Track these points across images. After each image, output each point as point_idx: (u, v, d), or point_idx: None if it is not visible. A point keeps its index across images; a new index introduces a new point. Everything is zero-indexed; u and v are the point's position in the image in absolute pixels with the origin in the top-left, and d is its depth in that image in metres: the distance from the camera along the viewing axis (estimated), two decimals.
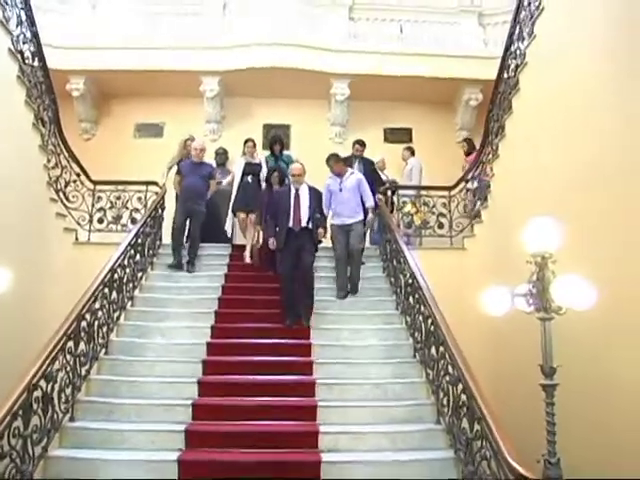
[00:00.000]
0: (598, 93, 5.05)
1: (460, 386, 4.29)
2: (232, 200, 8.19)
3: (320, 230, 6.61)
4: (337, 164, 7.43)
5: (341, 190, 7.26)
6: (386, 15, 10.47)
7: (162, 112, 10.34)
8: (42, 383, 4.12)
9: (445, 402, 4.69)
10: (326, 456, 4.35)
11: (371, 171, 8.51)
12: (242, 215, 8.10)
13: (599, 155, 5.10)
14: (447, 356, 4.70)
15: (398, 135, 10.61)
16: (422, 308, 5.60)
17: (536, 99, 6.60)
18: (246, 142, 8.47)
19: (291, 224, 6.46)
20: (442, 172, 9.10)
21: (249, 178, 8.17)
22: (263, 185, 8.15)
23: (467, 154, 9.45)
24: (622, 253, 4.43)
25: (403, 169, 9.53)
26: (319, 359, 5.66)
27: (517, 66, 7.09)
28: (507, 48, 7.39)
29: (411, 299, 6.11)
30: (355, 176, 7.43)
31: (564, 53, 5.86)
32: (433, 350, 5.12)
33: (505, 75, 7.48)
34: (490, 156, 7.89)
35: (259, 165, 8.31)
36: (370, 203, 7.36)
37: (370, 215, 7.40)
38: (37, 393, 4.03)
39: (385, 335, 6.16)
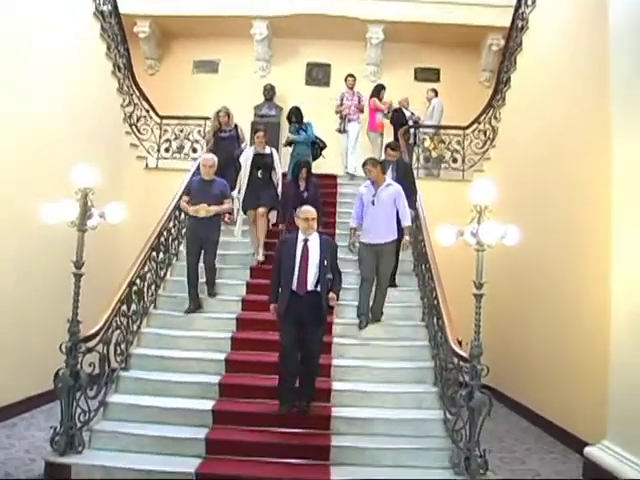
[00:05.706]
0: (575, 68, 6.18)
1: (434, 294, 5.82)
2: (241, 198, 7.47)
3: (332, 295, 5.12)
4: (374, 168, 6.39)
5: (374, 203, 6.31)
6: None
7: (217, 51, 11.59)
8: (137, 281, 5.89)
9: (426, 305, 6.27)
10: (336, 340, 6.05)
11: (404, 176, 7.09)
12: (252, 212, 7.39)
13: (565, 118, 6.34)
14: (429, 271, 6.20)
15: (427, 74, 11.59)
16: (419, 233, 7.03)
17: (534, 60, 7.67)
18: (255, 132, 7.91)
19: (295, 287, 5.05)
20: (465, 108, 10.07)
21: (259, 173, 7.43)
22: (274, 179, 7.61)
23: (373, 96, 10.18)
24: (540, 208, 6.72)
25: (427, 108, 10.56)
26: None
27: (522, 27, 8.11)
28: (516, 9, 8.36)
29: (415, 225, 7.47)
30: (392, 188, 6.40)
31: (556, 26, 6.90)
32: (423, 266, 6.62)
33: (514, 34, 8.48)
34: (500, 102, 9.02)
35: (270, 156, 7.54)
36: (407, 222, 6.42)
37: (406, 237, 6.54)
38: (134, 288, 5.80)
39: None
